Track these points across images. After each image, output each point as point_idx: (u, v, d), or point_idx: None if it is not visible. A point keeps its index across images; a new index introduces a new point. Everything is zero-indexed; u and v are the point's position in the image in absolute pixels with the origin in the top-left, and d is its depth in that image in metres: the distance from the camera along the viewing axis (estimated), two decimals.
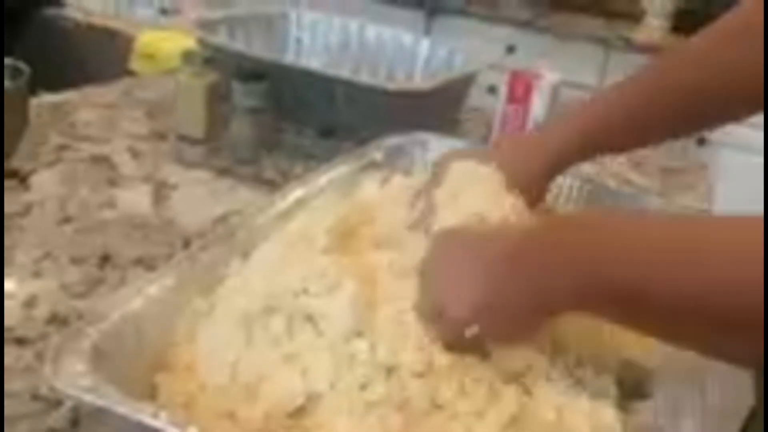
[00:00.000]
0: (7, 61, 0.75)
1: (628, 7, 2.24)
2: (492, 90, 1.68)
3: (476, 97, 1.08)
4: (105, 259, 0.59)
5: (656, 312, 0.35)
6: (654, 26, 2.16)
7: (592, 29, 2.07)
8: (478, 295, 0.40)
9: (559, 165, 0.59)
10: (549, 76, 0.87)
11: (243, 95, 0.81)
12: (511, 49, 2.10)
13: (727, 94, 0.55)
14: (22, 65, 0.73)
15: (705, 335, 0.34)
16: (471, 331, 0.40)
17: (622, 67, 2.04)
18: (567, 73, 1.14)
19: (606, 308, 0.37)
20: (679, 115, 0.58)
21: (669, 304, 0.34)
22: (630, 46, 2.00)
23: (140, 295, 0.44)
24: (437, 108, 0.91)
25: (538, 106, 0.88)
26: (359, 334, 0.40)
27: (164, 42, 1.22)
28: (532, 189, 0.57)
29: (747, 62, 0.52)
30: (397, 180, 0.65)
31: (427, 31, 2.18)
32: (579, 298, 0.37)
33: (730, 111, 0.58)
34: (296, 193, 0.60)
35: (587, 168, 0.93)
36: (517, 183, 0.56)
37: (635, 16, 2.21)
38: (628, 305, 0.36)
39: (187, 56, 0.83)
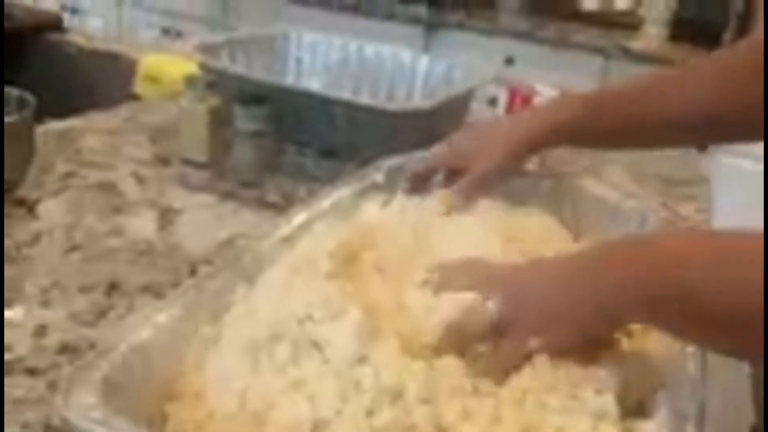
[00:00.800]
0: (13, 91, 0.77)
1: (626, 16, 2.25)
2: (493, 102, 1.69)
3: (477, 110, 1.09)
4: (112, 287, 0.60)
5: (712, 325, 0.38)
6: (652, 34, 2.18)
7: (591, 38, 2.08)
8: (545, 308, 0.44)
9: (528, 144, 0.65)
10: (545, 91, 0.88)
11: (245, 119, 0.82)
12: (510, 61, 2.11)
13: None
14: (28, 96, 0.75)
15: (753, 347, 0.37)
16: (534, 344, 0.43)
17: (621, 76, 2.06)
18: (566, 83, 1.15)
19: (669, 320, 0.41)
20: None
21: (724, 317, 0.37)
22: (628, 54, 2.01)
23: (148, 325, 0.45)
24: (438, 125, 0.92)
25: None
26: (364, 359, 0.41)
27: (167, 65, 1.23)
28: (502, 165, 0.64)
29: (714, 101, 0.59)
30: (398, 201, 0.66)
31: (427, 46, 2.19)
32: (647, 311, 0.41)
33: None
34: (299, 217, 0.61)
35: (585, 179, 0.94)
36: (489, 160, 0.63)
37: (633, 25, 2.23)
38: (690, 317, 0.39)
39: (190, 81, 0.85)
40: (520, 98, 0.90)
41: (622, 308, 0.42)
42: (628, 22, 2.23)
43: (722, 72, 0.60)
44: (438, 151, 0.70)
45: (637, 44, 2.08)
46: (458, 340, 0.45)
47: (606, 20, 2.23)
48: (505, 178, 0.66)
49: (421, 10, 2.22)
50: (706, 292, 0.38)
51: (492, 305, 0.45)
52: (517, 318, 0.44)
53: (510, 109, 0.96)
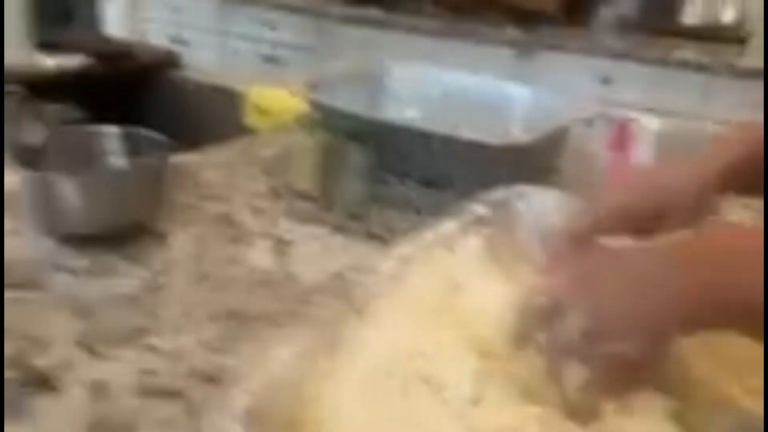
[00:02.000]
0: (146, 132, 0.85)
1: (731, 30, 2.16)
2: (589, 123, 1.67)
3: (577, 134, 1.08)
4: (234, 316, 0.66)
5: None
6: (760, 49, 2.08)
7: (694, 55, 2.01)
8: (637, 306, 0.43)
9: (709, 193, 0.59)
10: (648, 123, 0.88)
11: (351, 153, 0.87)
12: (606, 80, 2.08)
13: None
14: (161, 137, 0.82)
15: None
16: (622, 347, 0.43)
17: (725, 94, 1.96)
18: (667, 103, 1.12)
19: (744, 324, 0.41)
20: None
21: None
22: (734, 71, 1.93)
23: (274, 358, 0.49)
24: (539, 159, 0.93)
25: (641, 153, 0.88)
26: (479, 401, 0.43)
27: (275, 97, 1.31)
28: (701, 203, 0.59)
29: None
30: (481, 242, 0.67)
31: (520, 68, 2.19)
32: (722, 314, 0.41)
33: None
34: (405, 250, 0.64)
35: None
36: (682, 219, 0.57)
37: (740, 39, 2.13)
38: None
39: (300, 118, 0.91)
40: (620, 131, 0.90)
41: (702, 310, 0.41)
42: (735, 37, 2.14)
43: None
44: (605, 215, 0.63)
45: (744, 60, 1.99)
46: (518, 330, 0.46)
47: (710, 35, 2.15)
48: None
49: (514, 33, 2.22)
50: None
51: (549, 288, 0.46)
52: (609, 319, 0.44)
53: (612, 143, 0.95)
